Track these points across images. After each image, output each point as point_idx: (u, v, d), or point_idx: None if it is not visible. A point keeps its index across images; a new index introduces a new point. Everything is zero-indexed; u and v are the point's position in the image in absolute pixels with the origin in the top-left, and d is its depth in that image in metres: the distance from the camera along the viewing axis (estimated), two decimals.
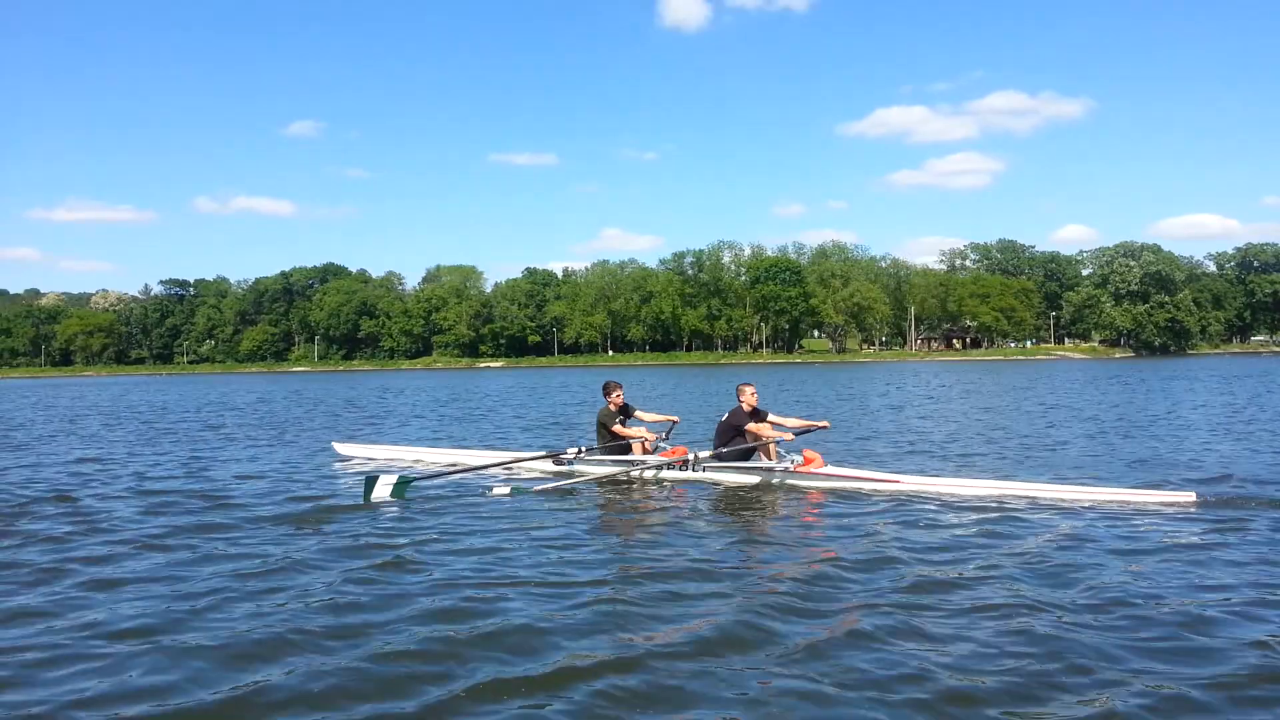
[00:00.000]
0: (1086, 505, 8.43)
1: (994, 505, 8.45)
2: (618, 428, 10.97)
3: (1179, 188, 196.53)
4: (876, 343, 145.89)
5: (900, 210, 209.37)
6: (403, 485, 9.34)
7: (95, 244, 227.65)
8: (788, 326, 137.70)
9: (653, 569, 6.25)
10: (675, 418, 11.48)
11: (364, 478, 9.57)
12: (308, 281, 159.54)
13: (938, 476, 9.96)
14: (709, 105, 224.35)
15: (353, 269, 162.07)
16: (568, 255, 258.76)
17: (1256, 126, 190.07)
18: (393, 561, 6.59)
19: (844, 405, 25.25)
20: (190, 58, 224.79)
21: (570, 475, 10.49)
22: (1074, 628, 4.92)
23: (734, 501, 9.13)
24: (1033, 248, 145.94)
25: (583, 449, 11.10)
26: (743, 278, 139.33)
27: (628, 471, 10.46)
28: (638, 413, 11.34)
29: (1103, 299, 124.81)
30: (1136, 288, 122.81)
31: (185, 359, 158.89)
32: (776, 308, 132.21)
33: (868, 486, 9.44)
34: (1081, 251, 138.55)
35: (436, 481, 10.12)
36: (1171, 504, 8.41)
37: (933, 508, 8.42)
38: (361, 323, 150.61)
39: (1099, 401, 25.00)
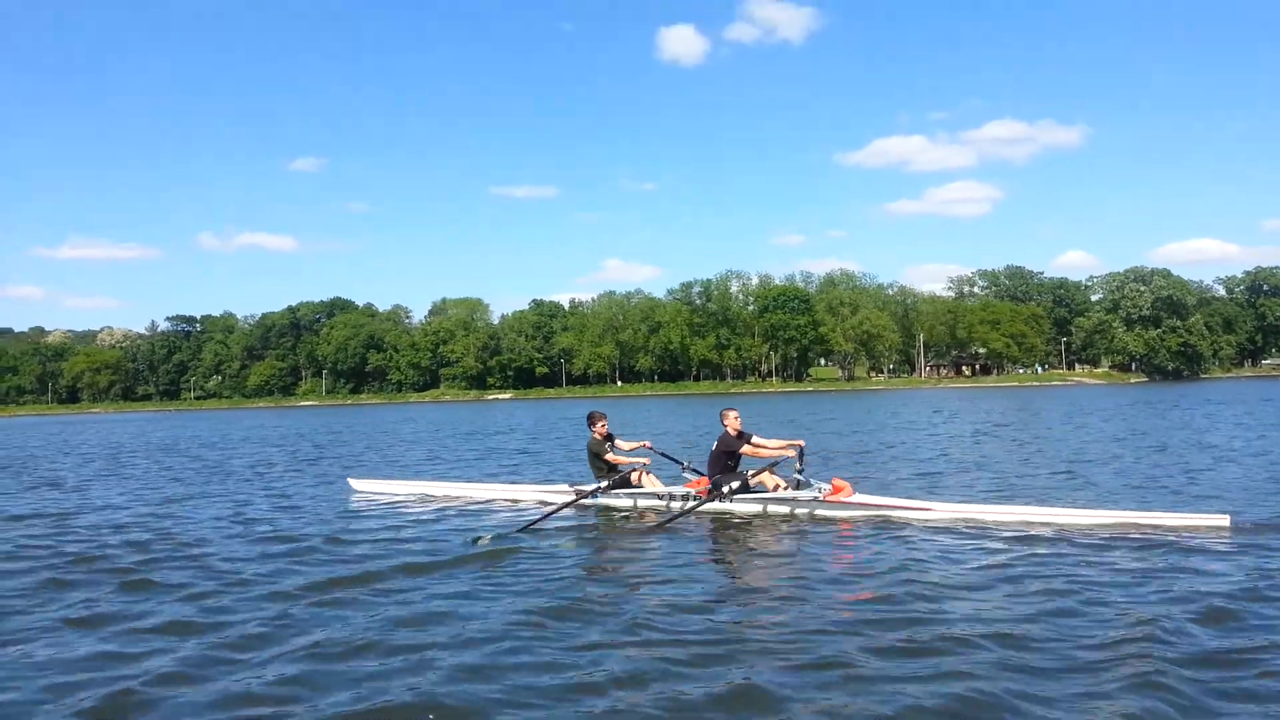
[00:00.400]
0: (1117, 528, 8.48)
1: (1024, 531, 8.50)
2: (610, 456, 11.10)
3: (1178, 213, 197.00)
4: (885, 370, 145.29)
5: (900, 239, 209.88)
6: (499, 539, 8.95)
7: (99, 281, 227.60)
8: (797, 355, 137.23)
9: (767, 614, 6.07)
10: (647, 443, 11.53)
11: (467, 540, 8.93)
12: (314, 316, 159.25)
13: (969, 504, 9.85)
14: (708, 137, 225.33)
15: (359, 303, 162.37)
16: (570, 287, 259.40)
17: (1254, 151, 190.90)
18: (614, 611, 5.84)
19: (912, 436, 24.47)
20: (193, 95, 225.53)
21: (622, 510, 10.60)
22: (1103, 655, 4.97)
23: (773, 533, 9.08)
24: (1041, 274, 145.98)
25: (605, 483, 10.95)
26: (750, 307, 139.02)
27: (665, 504, 10.42)
28: (618, 441, 11.46)
29: (1115, 324, 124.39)
30: (1148, 312, 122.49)
31: (192, 395, 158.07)
32: (786, 336, 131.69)
33: (898, 514, 9.37)
34: (1091, 277, 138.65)
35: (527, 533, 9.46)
36: (1206, 527, 8.41)
37: (967, 536, 8.40)
38: (369, 356, 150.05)
39: (1183, 427, 24.24)
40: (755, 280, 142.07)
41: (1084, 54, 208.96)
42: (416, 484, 13.38)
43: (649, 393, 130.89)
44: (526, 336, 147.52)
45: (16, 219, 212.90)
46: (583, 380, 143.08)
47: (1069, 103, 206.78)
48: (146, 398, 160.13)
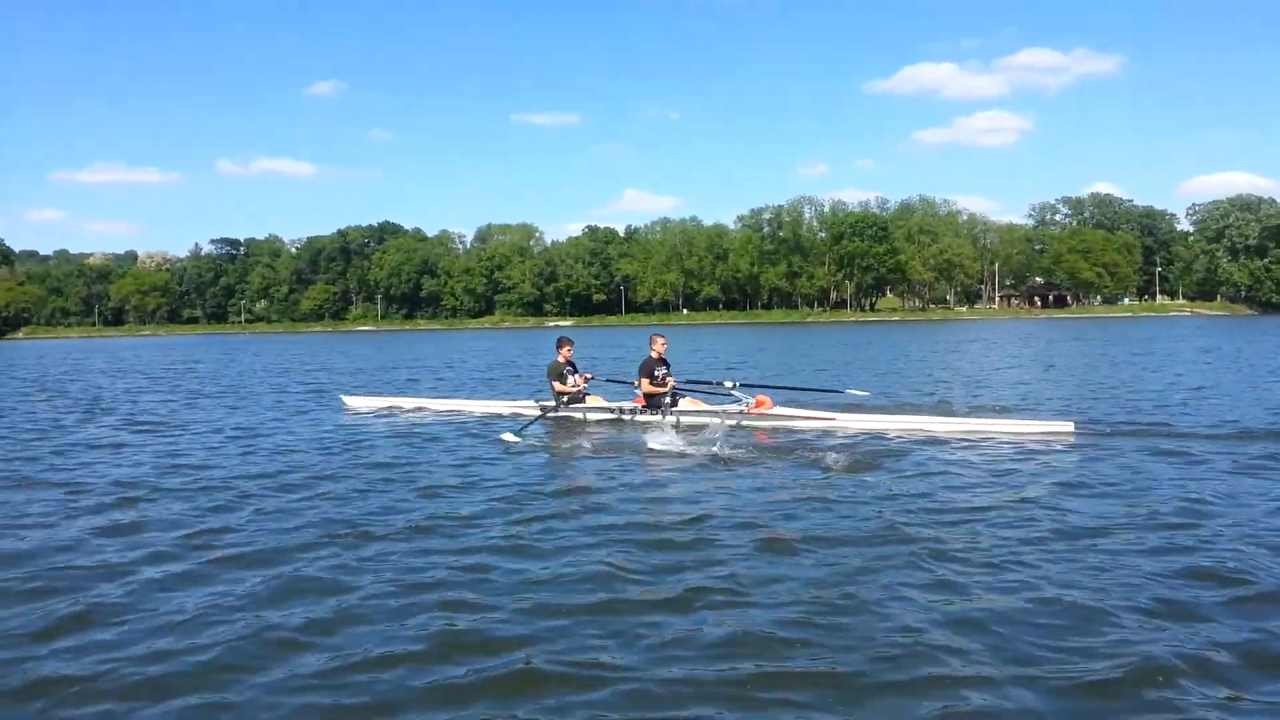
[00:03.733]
0: (980, 434, 10.12)
1: (904, 435, 10.23)
2: (557, 384, 12.28)
3: (1211, 146, 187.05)
4: (951, 300, 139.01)
5: (927, 169, 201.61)
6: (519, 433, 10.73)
7: (119, 205, 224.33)
8: (872, 284, 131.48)
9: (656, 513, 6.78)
10: (590, 376, 12.76)
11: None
12: (363, 240, 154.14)
13: (863, 414, 11.22)
14: (734, 63, 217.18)
15: (406, 227, 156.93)
16: (591, 216, 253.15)
17: None
18: None
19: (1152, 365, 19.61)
20: (210, 19, 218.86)
21: (579, 420, 12.08)
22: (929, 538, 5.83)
23: (692, 437, 10.30)
24: (1130, 201, 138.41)
25: (565, 400, 12.21)
26: (822, 234, 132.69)
27: (616, 415, 11.93)
28: (574, 376, 12.47)
29: (1219, 254, 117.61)
30: (1254, 242, 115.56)
31: (241, 318, 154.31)
32: (863, 264, 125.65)
33: (807, 424, 10.96)
34: (1194, 206, 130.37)
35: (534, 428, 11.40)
36: (1052, 433, 9.98)
37: (857, 440, 9.99)
38: (423, 282, 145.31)
39: None
40: (828, 207, 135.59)
41: None
42: (400, 399, 14.66)
43: (717, 321, 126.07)
44: (584, 263, 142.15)
45: (38, 143, 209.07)
46: (645, 308, 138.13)
47: (1106, 32, 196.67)
48: (193, 321, 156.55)
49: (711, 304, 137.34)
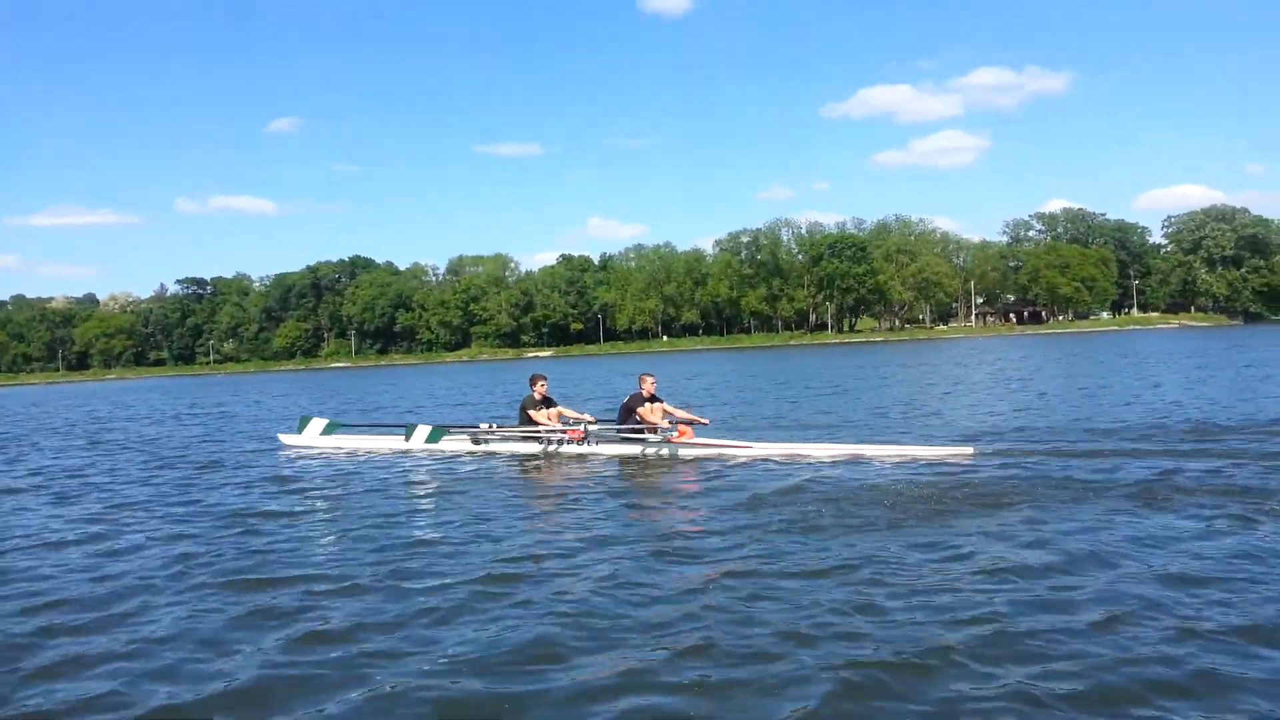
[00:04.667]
0: (885, 459, 10.43)
1: (812, 462, 10.48)
2: (533, 413, 12.51)
3: (1162, 159, 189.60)
4: (926, 319, 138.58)
5: (886, 191, 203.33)
6: (333, 427, 13.25)
7: (76, 248, 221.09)
8: (852, 305, 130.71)
9: (542, 526, 7.62)
10: (590, 417, 12.85)
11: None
12: (335, 275, 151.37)
13: (778, 444, 11.72)
14: (693, 90, 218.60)
15: (377, 261, 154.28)
16: (554, 245, 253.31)
17: (1236, 95, 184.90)
18: None
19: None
20: (167, 58, 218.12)
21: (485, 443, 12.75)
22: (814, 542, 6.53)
23: (622, 465, 11.20)
24: (1103, 215, 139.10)
25: (496, 426, 12.95)
26: (800, 256, 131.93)
27: (536, 444, 12.43)
28: (559, 407, 12.84)
29: (1196, 265, 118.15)
30: (1231, 252, 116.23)
31: (210, 359, 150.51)
32: (843, 286, 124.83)
33: (726, 452, 11.43)
34: (1170, 218, 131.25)
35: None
36: (953, 456, 10.32)
37: (770, 466, 10.39)
38: (398, 315, 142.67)
39: None
40: (804, 228, 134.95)
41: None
42: (345, 438, 14.40)
43: (699, 347, 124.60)
44: (560, 292, 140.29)
45: None
46: (625, 335, 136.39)
47: (1056, 48, 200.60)
48: (160, 363, 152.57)
49: (691, 330, 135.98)
